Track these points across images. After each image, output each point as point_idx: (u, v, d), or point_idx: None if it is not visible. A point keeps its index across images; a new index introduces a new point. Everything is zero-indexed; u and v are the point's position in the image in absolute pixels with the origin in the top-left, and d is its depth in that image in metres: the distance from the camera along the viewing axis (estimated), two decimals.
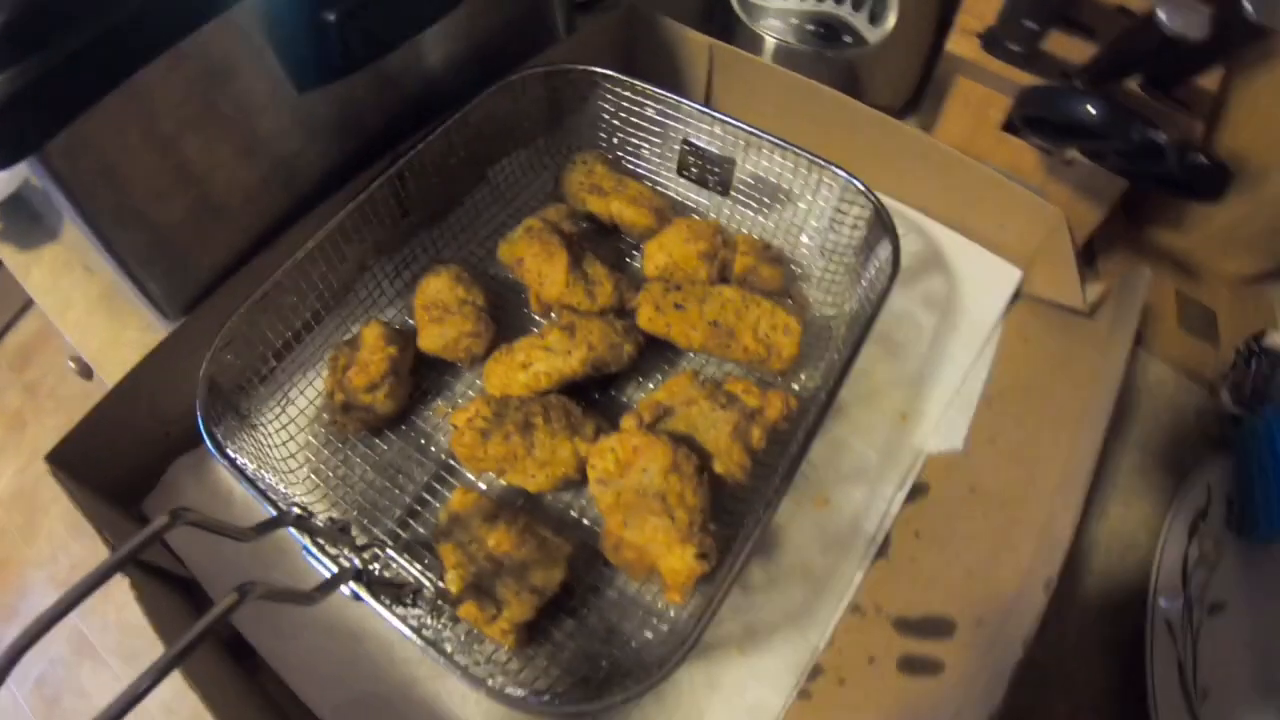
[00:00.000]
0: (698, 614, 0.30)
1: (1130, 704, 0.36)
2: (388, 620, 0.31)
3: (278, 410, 0.40)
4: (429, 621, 0.34)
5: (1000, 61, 0.43)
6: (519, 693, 0.30)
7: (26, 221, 0.53)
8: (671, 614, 0.36)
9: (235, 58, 0.35)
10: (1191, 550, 0.41)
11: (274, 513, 0.31)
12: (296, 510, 0.30)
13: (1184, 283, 0.54)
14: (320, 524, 0.32)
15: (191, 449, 0.41)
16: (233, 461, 0.34)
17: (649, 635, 0.35)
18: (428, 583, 0.35)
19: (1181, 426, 0.47)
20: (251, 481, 0.33)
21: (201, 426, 0.34)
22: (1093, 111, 0.35)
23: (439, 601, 0.35)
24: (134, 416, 0.38)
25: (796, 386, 0.42)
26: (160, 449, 0.40)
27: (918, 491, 0.40)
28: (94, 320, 0.49)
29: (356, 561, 0.31)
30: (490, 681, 0.30)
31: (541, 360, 0.39)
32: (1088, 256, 0.52)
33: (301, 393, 0.41)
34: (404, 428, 0.41)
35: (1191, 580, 0.41)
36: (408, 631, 0.30)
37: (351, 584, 0.30)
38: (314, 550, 0.31)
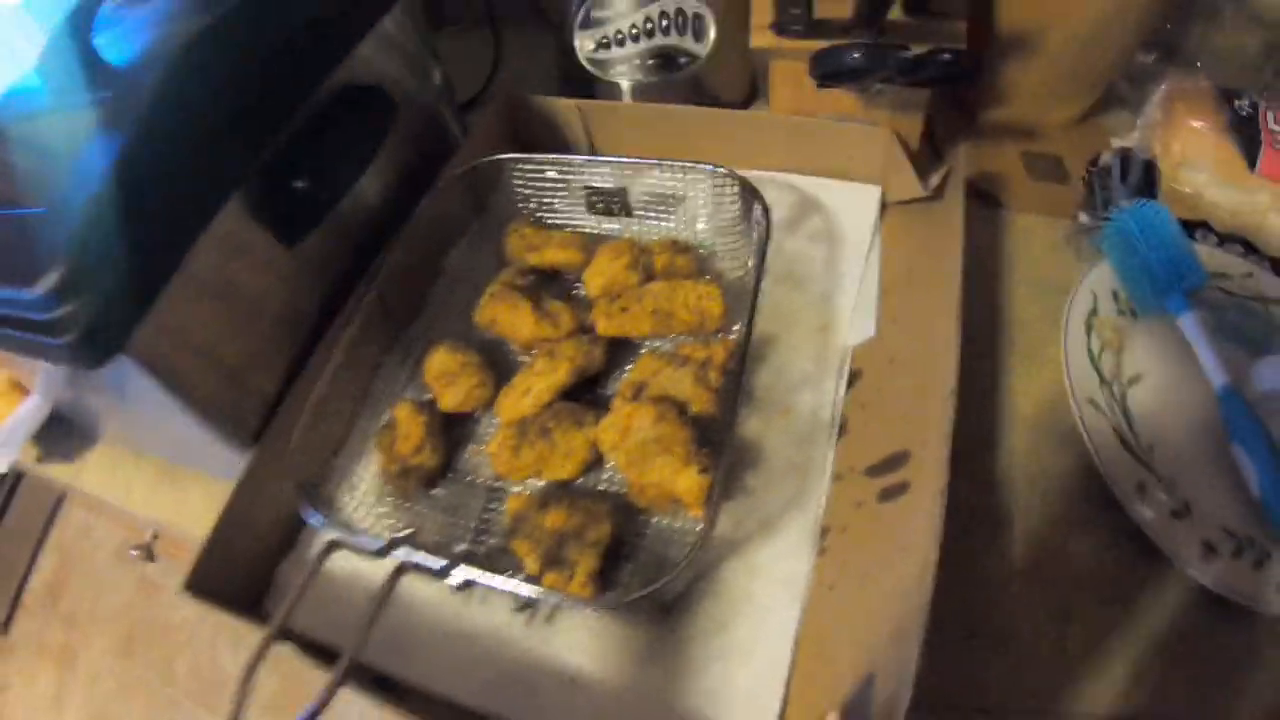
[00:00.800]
0: (714, 518, 0.45)
1: (1091, 482, 0.50)
2: (500, 587, 0.44)
3: (349, 495, 0.54)
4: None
5: (792, 40, 0.60)
6: (615, 592, 0.46)
7: (65, 439, 0.67)
8: (699, 530, 0.51)
9: (238, 235, 0.51)
10: (1092, 342, 0.56)
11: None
12: (405, 531, 0.47)
13: (1028, 143, 0.72)
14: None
15: (288, 552, 0.55)
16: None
17: None
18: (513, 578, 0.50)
19: (1056, 255, 0.63)
20: (359, 533, 0.49)
21: (306, 509, 0.48)
22: (855, 56, 0.53)
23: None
24: (238, 539, 0.51)
25: (734, 337, 0.57)
26: (263, 561, 0.54)
27: (854, 378, 0.55)
28: (160, 494, 0.63)
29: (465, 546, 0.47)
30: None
31: (538, 382, 0.54)
32: (935, 152, 0.70)
33: (361, 478, 0.55)
34: (452, 474, 0.55)
35: (1102, 365, 0.55)
36: (517, 586, 0.44)
37: (465, 567, 0.45)
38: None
